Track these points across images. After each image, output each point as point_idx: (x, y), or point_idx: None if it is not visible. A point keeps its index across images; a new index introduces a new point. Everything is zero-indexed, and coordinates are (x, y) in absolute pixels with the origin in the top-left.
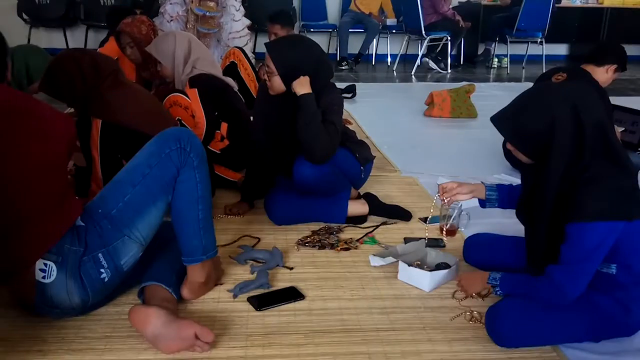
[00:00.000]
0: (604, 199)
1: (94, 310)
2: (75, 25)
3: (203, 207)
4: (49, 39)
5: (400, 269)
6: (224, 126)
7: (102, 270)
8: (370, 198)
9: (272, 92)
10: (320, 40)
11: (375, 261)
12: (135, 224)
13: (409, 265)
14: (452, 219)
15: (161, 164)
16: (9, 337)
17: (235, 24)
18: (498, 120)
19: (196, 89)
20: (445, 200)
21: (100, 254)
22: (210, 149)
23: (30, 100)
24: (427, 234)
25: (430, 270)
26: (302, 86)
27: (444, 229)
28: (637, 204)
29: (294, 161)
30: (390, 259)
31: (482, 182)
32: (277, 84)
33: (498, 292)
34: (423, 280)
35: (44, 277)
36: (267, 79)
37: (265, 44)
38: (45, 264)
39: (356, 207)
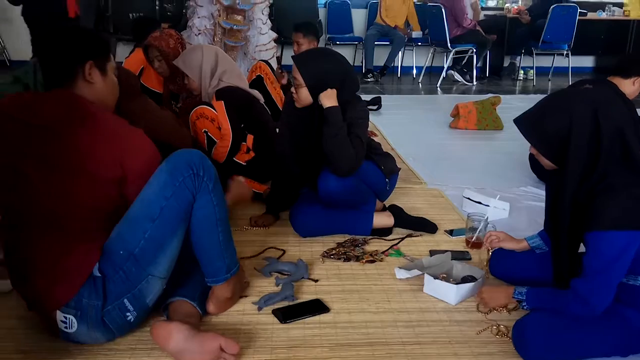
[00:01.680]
0: (621, 207)
1: None
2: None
3: (223, 229)
4: None
5: (425, 282)
6: (250, 138)
7: (128, 313)
8: (395, 210)
9: (298, 105)
10: (346, 52)
11: (401, 274)
12: (159, 260)
13: (435, 278)
14: (478, 232)
15: (177, 193)
16: (34, 349)
17: (262, 37)
18: (520, 121)
19: (223, 101)
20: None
21: (125, 300)
22: (236, 161)
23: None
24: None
25: (457, 284)
26: (329, 99)
27: (470, 242)
28: None
29: (319, 174)
30: (416, 272)
31: (525, 239)
32: (304, 96)
33: (525, 307)
34: (449, 293)
35: (66, 327)
36: (294, 91)
37: (293, 56)
38: (65, 317)
39: (381, 219)
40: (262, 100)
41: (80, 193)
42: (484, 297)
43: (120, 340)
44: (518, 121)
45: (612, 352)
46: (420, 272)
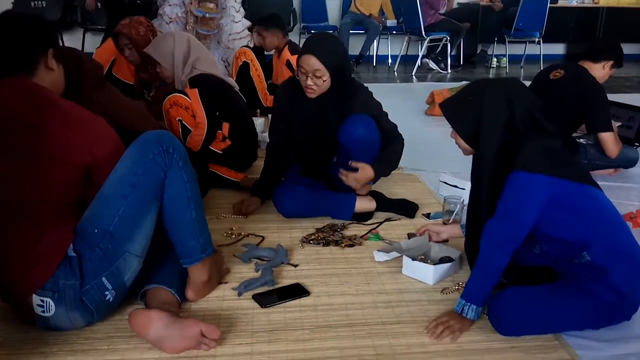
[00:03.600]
0: (531, 153)
1: None
2: (72, 28)
3: (195, 206)
4: None
5: (404, 264)
6: (226, 126)
7: (107, 292)
8: (376, 195)
9: (314, 95)
10: None
11: (380, 256)
12: (134, 237)
13: (413, 259)
14: (454, 214)
15: (147, 170)
16: (11, 339)
17: (235, 25)
18: (443, 105)
19: (197, 89)
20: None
21: (104, 278)
22: (211, 149)
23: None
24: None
25: (434, 264)
26: (367, 176)
27: (447, 224)
28: (563, 165)
29: (329, 163)
30: (395, 254)
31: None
32: (326, 84)
33: (472, 308)
34: (427, 273)
35: (43, 312)
36: (312, 83)
37: (305, 47)
38: (42, 300)
39: (364, 203)
40: (236, 87)
41: (51, 181)
42: (457, 328)
43: (97, 329)
44: (442, 105)
45: (584, 326)
46: (399, 255)
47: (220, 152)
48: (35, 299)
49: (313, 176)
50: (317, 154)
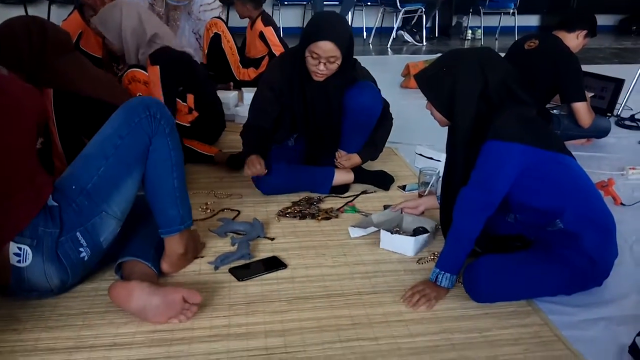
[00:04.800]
0: (504, 122)
1: (71, 289)
2: (36, 0)
3: (178, 175)
4: (9, 16)
5: (382, 238)
6: (191, 98)
7: (82, 249)
8: (354, 167)
9: (321, 78)
10: (295, 14)
11: (355, 232)
12: (113, 198)
13: (391, 232)
14: (430, 186)
15: (132, 133)
16: None
17: None
18: (418, 77)
19: (158, 66)
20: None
21: (78, 233)
22: (179, 123)
23: None
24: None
25: (411, 235)
26: (354, 162)
27: (423, 196)
28: (537, 133)
29: (330, 149)
30: (371, 229)
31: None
32: (336, 68)
33: (447, 276)
34: (408, 245)
35: (19, 261)
36: (324, 68)
37: (318, 32)
38: (20, 248)
39: (342, 176)
40: (196, 58)
41: (18, 144)
42: (433, 296)
43: (71, 305)
44: (416, 76)
45: (556, 291)
46: (375, 229)
47: (188, 124)
48: (13, 247)
49: (316, 162)
50: (322, 139)
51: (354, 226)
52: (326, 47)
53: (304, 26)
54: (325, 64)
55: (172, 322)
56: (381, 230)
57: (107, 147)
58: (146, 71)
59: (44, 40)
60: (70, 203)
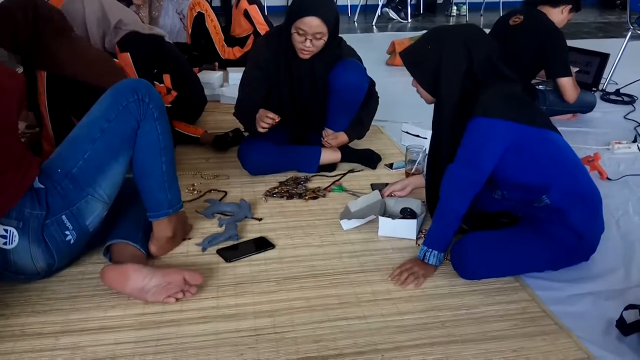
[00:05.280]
0: (489, 98)
1: (58, 272)
2: None
3: (166, 159)
4: None
5: (381, 225)
6: (167, 78)
7: (67, 232)
8: (341, 147)
9: (308, 56)
10: None
11: (348, 224)
12: (98, 182)
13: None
14: (417, 163)
15: (120, 116)
16: None
17: None
18: (403, 54)
19: (128, 53)
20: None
21: (64, 216)
22: None
23: None
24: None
25: (403, 218)
26: (341, 141)
27: (410, 174)
28: (522, 110)
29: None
30: (363, 220)
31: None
32: (322, 44)
33: (434, 254)
34: (410, 229)
35: (5, 244)
36: (310, 44)
37: (304, 7)
38: (6, 230)
39: (329, 155)
40: (166, 37)
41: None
42: (422, 274)
43: (59, 289)
44: (402, 54)
45: (544, 267)
46: (367, 220)
47: (169, 105)
48: None
49: (303, 141)
50: (309, 117)
51: (343, 219)
52: (313, 23)
53: (289, 4)
54: (311, 40)
55: (168, 301)
56: (380, 218)
57: (93, 130)
58: (117, 58)
59: (36, 19)
60: (56, 186)
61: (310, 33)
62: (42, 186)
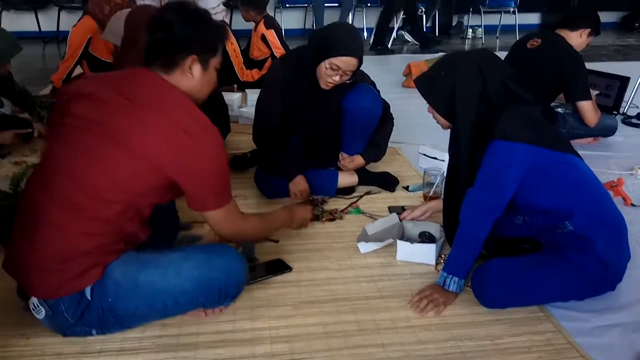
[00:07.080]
0: (508, 122)
1: None
2: (47, 6)
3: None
4: (20, 22)
5: (400, 250)
6: None
7: (93, 332)
8: (357, 168)
9: (330, 87)
10: (296, 16)
11: (366, 247)
12: (137, 323)
13: (410, 242)
14: (435, 186)
15: (188, 306)
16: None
17: (210, 0)
18: (417, 82)
19: None
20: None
21: (93, 330)
22: None
23: None
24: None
25: (422, 242)
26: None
27: (428, 197)
28: (542, 133)
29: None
30: (380, 244)
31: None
32: (348, 77)
33: (455, 280)
34: (429, 253)
35: (34, 310)
36: (339, 79)
37: (345, 47)
38: (39, 304)
39: (346, 178)
40: None
41: (120, 171)
42: (442, 302)
43: None
44: (416, 82)
45: (568, 297)
46: (386, 243)
47: None
48: (33, 299)
49: (319, 164)
50: (323, 142)
51: (361, 241)
52: (350, 63)
53: (315, 32)
54: (342, 76)
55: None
56: (398, 242)
57: (157, 300)
58: None
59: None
60: (99, 307)
61: (343, 70)
62: (89, 298)
